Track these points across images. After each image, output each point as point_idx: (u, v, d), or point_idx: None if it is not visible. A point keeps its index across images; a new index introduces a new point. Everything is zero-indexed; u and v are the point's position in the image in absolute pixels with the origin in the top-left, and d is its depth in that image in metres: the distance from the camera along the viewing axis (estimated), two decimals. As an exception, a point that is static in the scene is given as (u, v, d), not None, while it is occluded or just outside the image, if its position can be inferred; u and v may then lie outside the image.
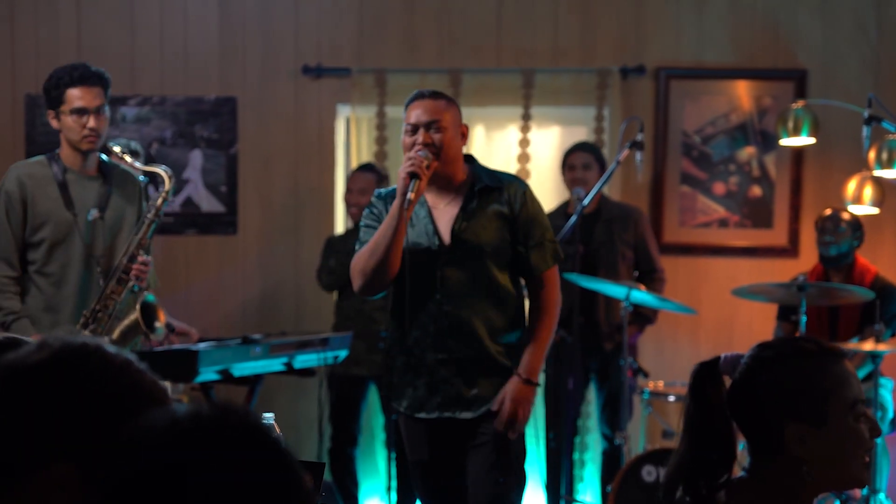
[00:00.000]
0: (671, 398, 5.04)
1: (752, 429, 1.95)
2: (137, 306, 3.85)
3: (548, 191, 5.68)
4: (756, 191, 5.74)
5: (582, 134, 5.81)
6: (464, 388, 3.44)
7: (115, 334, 3.82)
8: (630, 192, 5.69)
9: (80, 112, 3.80)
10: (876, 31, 5.69)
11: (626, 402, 4.96)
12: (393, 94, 5.67)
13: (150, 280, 3.93)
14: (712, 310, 5.69)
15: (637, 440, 5.21)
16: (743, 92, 5.71)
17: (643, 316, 5.22)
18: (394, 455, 4.96)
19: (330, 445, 5.35)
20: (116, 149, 4.04)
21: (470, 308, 3.42)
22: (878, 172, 4.69)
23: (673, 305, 4.99)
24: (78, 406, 1.25)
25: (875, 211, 5.16)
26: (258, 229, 5.86)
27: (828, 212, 5.11)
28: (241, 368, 4.28)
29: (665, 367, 5.62)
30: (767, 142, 5.66)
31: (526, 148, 5.72)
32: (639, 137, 4.97)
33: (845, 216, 5.05)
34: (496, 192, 3.48)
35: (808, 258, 5.54)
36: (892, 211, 5.50)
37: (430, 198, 3.49)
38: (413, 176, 3.29)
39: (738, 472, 1.96)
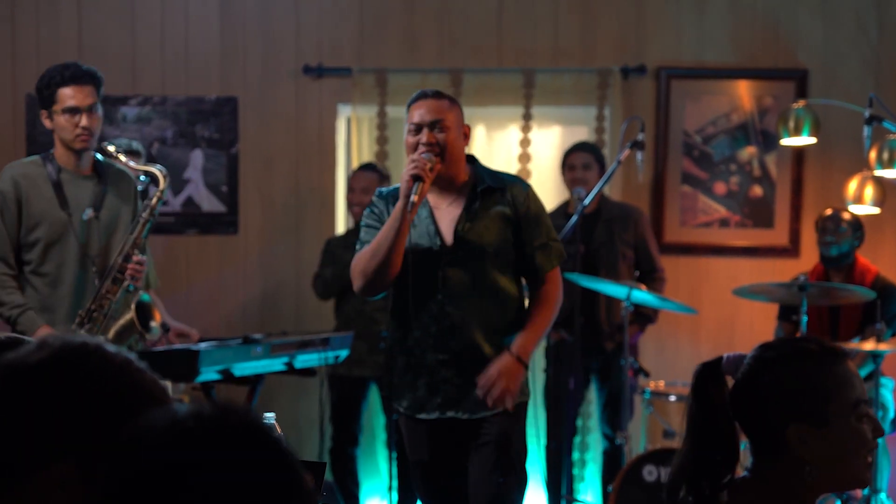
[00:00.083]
0: (672, 398, 5.03)
1: (754, 429, 1.94)
2: (133, 306, 3.85)
3: (548, 191, 5.67)
4: (757, 190, 5.73)
5: (583, 134, 5.81)
6: (464, 388, 3.44)
7: (111, 334, 3.82)
8: (631, 191, 5.69)
9: (73, 111, 3.79)
10: (877, 30, 5.68)
11: (626, 402, 4.96)
12: (394, 93, 5.66)
13: (150, 280, 3.92)
14: (713, 310, 5.69)
15: (638, 440, 5.21)
16: (744, 92, 5.71)
17: (644, 316, 5.22)
18: (394, 455, 4.95)
19: (331, 445, 5.35)
20: (111, 148, 4.03)
21: (471, 309, 3.41)
22: (878, 172, 4.69)
23: (674, 305, 4.99)
24: (78, 405, 1.25)
25: (876, 211, 5.16)
26: (259, 229, 5.86)
27: (828, 212, 5.11)
28: (242, 368, 4.28)
29: (666, 366, 5.61)
30: (768, 141, 5.66)
31: (527, 148, 5.72)
32: (639, 137, 4.97)
33: (846, 216, 5.05)
34: (499, 192, 3.47)
35: (808, 258, 5.53)
36: (892, 211, 5.49)
37: (432, 198, 3.48)
38: (416, 179, 3.28)
39: (740, 473, 1.96)
